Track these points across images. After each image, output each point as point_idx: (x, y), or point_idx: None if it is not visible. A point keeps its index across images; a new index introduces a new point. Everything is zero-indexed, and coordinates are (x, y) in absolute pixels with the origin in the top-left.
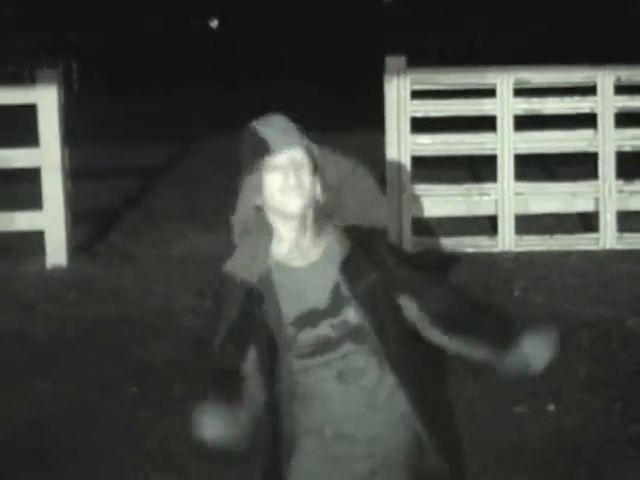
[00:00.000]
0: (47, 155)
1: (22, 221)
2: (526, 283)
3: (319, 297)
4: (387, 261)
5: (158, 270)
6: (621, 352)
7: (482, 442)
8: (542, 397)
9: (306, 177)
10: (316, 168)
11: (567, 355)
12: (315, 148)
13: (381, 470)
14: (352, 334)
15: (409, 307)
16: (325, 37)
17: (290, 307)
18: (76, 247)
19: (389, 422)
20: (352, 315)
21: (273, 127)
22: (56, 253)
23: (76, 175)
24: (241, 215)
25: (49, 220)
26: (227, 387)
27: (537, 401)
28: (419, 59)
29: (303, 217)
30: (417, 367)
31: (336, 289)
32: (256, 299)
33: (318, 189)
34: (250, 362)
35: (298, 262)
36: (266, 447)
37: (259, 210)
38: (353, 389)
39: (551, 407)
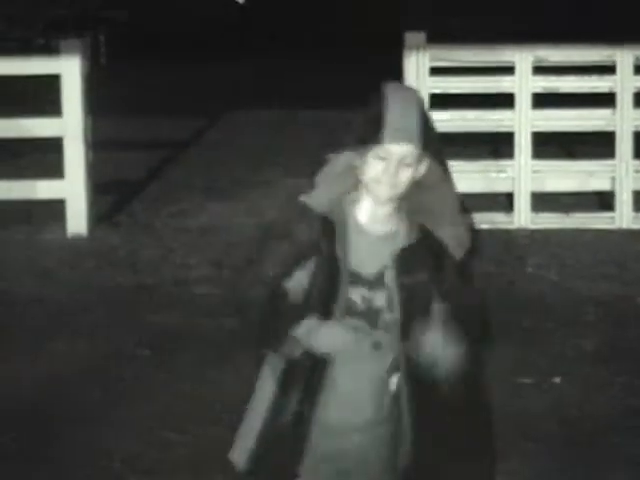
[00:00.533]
0: (69, 125)
1: (43, 190)
2: (540, 260)
3: (367, 266)
4: (445, 272)
5: (176, 241)
6: (629, 329)
7: (485, 411)
8: (549, 370)
9: (405, 174)
10: (418, 162)
11: (575, 330)
12: (424, 142)
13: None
14: (372, 315)
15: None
16: (349, 14)
17: (352, 256)
18: (97, 216)
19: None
20: (380, 300)
21: (398, 107)
22: (76, 222)
23: (99, 145)
24: (339, 161)
25: (70, 189)
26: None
27: (543, 374)
28: (440, 37)
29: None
30: None
31: (380, 271)
32: (328, 234)
33: (410, 182)
34: (297, 283)
35: (371, 225)
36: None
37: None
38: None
39: (557, 379)
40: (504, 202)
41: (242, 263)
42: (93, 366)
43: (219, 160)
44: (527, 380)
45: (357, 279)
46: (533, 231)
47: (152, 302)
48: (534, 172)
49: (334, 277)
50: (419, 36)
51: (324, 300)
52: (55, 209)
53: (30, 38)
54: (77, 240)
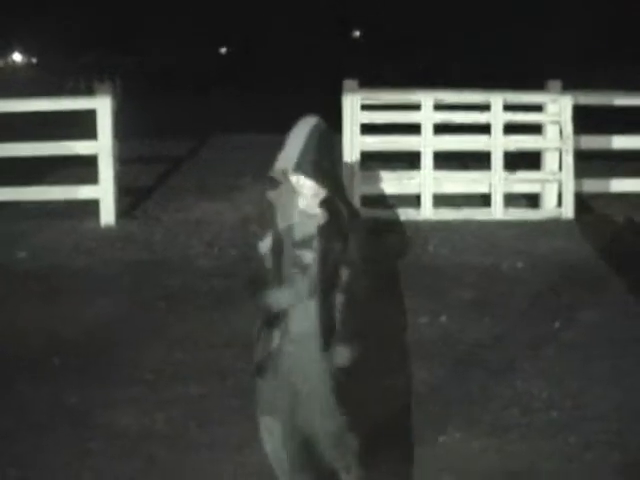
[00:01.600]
0: (103, 145)
1: (83, 192)
2: (438, 241)
3: (303, 233)
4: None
5: (179, 228)
6: (495, 286)
7: (392, 339)
8: (438, 312)
9: (308, 194)
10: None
11: (459, 287)
12: (302, 170)
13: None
14: (304, 267)
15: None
16: (305, 63)
17: (291, 228)
18: (121, 212)
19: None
20: (308, 257)
21: (291, 139)
22: (107, 215)
23: (123, 161)
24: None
25: (103, 192)
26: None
27: (434, 315)
28: (375, 81)
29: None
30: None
31: (311, 236)
32: (274, 213)
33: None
34: (266, 245)
35: (307, 209)
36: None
37: None
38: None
39: (443, 318)
40: (413, 201)
41: (226, 243)
42: (125, 313)
43: (208, 170)
44: (423, 319)
45: (296, 243)
46: (434, 222)
47: (164, 271)
48: (435, 179)
49: (282, 243)
50: (353, 82)
51: (278, 253)
52: (92, 206)
53: (63, 81)
54: (108, 228)
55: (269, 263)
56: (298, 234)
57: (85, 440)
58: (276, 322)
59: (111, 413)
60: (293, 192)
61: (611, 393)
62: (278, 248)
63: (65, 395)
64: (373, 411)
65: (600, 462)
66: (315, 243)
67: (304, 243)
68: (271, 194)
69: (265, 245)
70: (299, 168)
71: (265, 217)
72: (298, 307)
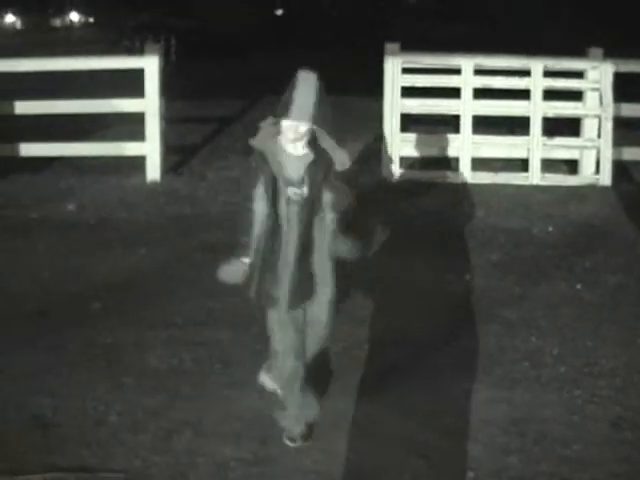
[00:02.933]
0: (149, 104)
1: (131, 149)
2: (474, 204)
3: (294, 173)
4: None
5: (221, 186)
6: (523, 249)
7: (416, 292)
8: (464, 270)
9: (303, 139)
10: (313, 128)
11: (488, 248)
12: (315, 118)
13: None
14: (302, 201)
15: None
16: (350, 26)
17: (284, 170)
18: (167, 168)
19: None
20: (305, 190)
21: (302, 91)
22: (153, 172)
23: (169, 120)
24: (271, 122)
25: (149, 149)
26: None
27: (460, 272)
28: (411, 46)
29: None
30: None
31: (302, 174)
32: (266, 159)
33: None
34: (260, 198)
35: (291, 151)
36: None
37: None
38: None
39: (468, 276)
40: (453, 164)
41: None
42: (165, 264)
43: (253, 131)
44: (450, 275)
45: (290, 182)
46: (472, 185)
47: (205, 225)
48: (473, 143)
49: (275, 183)
50: (395, 46)
51: (274, 196)
52: (138, 163)
53: (118, 40)
54: (153, 184)
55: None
56: (293, 173)
57: (117, 376)
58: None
59: (143, 353)
60: (277, 137)
61: (622, 353)
62: (273, 188)
63: (101, 336)
64: (387, 351)
65: (600, 415)
66: (306, 178)
67: (301, 179)
68: (256, 141)
69: (259, 192)
70: (315, 119)
71: (253, 164)
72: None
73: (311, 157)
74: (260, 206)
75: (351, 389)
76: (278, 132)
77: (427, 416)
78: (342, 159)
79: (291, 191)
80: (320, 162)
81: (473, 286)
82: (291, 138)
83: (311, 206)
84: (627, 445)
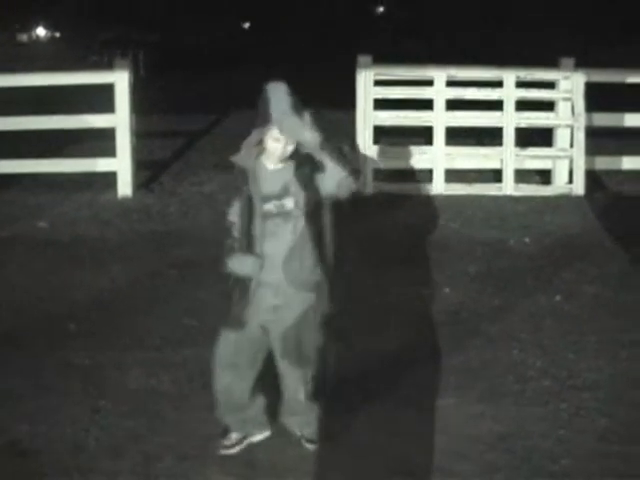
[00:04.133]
0: (120, 119)
1: (101, 165)
2: (449, 215)
3: (275, 187)
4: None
5: (193, 201)
6: (501, 260)
7: (395, 307)
8: (442, 284)
9: (290, 147)
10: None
11: (465, 260)
12: (294, 119)
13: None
14: (287, 215)
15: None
16: (322, 39)
17: (262, 187)
18: (138, 184)
19: (296, 271)
20: (289, 203)
21: (276, 99)
22: (124, 188)
23: (140, 135)
24: (252, 137)
25: (120, 165)
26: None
27: (438, 287)
28: (383, 59)
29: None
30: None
31: (284, 186)
32: (246, 177)
33: (291, 146)
34: (236, 212)
35: (271, 166)
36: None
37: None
38: (277, 245)
39: (447, 290)
40: (425, 176)
41: None
42: (137, 281)
43: (224, 145)
44: (426, 291)
45: (268, 198)
46: (446, 196)
47: (177, 241)
48: (447, 154)
49: (251, 201)
50: (367, 58)
51: (251, 213)
52: (109, 179)
53: (86, 55)
54: (125, 200)
55: (237, 230)
56: (273, 188)
57: (95, 399)
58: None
59: (120, 375)
60: (259, 155)
61: (605, 364)
62: (248, 208)
63: (78, 358)
64: (369, 369)
65: (588, 428)
66: (292, 189)
67: (281, 192)
68: (237, 158)
69: (234, 211)
70: (290, 126)
71: (236, 180)
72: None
73: (291, 168)
74: (235, 218)
75: (332, 406)
76: (261, 151)
77: (412, 433)
78: (311, 136)
79: (269, 206)
80: (305, 168)
81: (452, 300)
82: (279, 148)
83: (305, 218)
84: (615, 458)
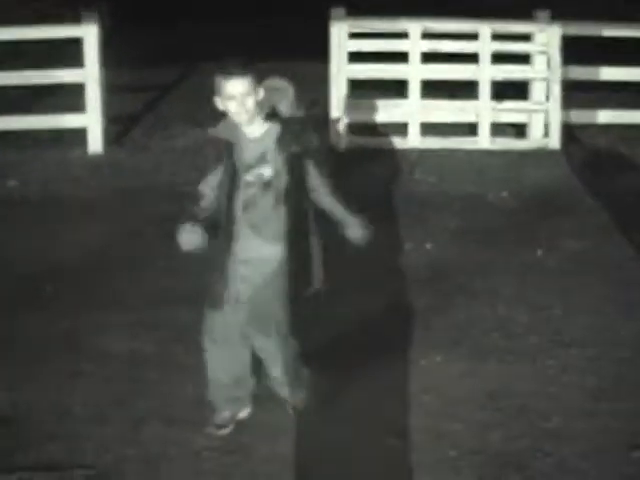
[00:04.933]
0: (89, 73)
1: (71, 121)
2: (425, 170)
3: (253, 156)
4: (311, 143)
5: (166, 157)
6: (479, 214)
7: (378, 265)
8: (423, 239)
9: (249, 102)
10: (256, 90)
11: (444, 215)
12: (253, 77)
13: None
14: (264, 184)
15: (314, 176)
16: None
17: (243, 158)
18: (109, 140)
19: (268, 243)
20: (267, 171)
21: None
22: (95, 144)
23: (111, 89)
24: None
25: (90, 120)
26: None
27: (419, 242)
28: (357, 10)
29: (251, 119)
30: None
31: (262, 154)
32: (227, 148)
33: (257, 102)
34: (208, 184)
35: (250, 135)
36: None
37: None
38: (251, 216)
39: (428, 245)
40: (401, 129)
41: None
42: (114, 240)
43: (196, 98)
44: (408, 246)
45: (249, 167)
46: (421, 150)
47: (151, 197)
48: (422, 107)
49: (234, 168)
50: (341, 10)
51: (231, 182)
52: (79, 135)
53: (49, 9)
54: (95, 157)
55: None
56: (250, 157)
57: (76, 363)
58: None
59: (101, 337)
60: (237, 125)
61: (591, 320)
62: (229, 179)
63: (56, 321)
64: (353, 329)
65: (575, 385)
66: (270, 156)
67: (259, 161)
68: (217, 131)
69: (206, 183)
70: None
71: (210, 153)
72: (248, 233)
73: (273, 136)
74: (207, 189)
75: (319, 370)
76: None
77: (400, 394)
78: (310, 139)
79: (250, 175)
80: (288, 139)
81: (434, 256)
82: (234, 106)
83: (281, 190)
84: (606, 415)
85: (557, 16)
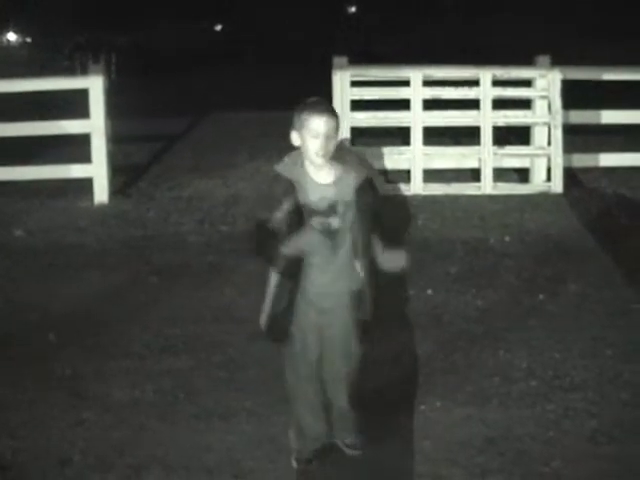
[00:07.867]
0: (95, 124)
1: (77, 171)
2: (428, 215)
3: (322, 204)
4: (368, 198)
5: (172, 206)
6: (482, 260)
7: (379, 311)
8: (425, 286)
9: (331, 143)
10: (337, 133)
11: (446, 261)
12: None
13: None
14: (331, 233)
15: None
16: (297, 40)
17: (308, 201)
18: (114, 190)
19: (342, 286)
20: (335, 222)
21: (315, 103)
22: (101, 194)
23: (116, 139)
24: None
25: (96, 171)
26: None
27: (421, 288)
28: (366, 58)
29: (324, 162)
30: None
31: (331, 205)
32: (292, 187)
33: (334, 148)
34: (282, 214)
35: (318, 180)
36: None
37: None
38: (327, 265)
39: (429, 291)
40: (404, 176)
41: (218, 220)
42: (118, 289)
43: (202, 148)
44: (411, 292)
45: (314, 212)
46: (424, 196)
47: (156, 247)
48: (425, 154)
49: (299, 213)
50: (343, 59)
51: (295, 228)
52: (85, 185)
53: (58, 60)
54: (101, 207)
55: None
56: (317, 203)
57: (78, 410)
58: (291, 280)
59: (103, 385)
60: (303, 164)
61: (591, 364)
62: (294, 219)
63: (59, 368)
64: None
65: (575, 429)
66: (339, 208)
67: (328, 211)
68: (281, 167)
69: (280, 215)
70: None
71: (278, 190)
72: (319, 268)
73: (346, 187)
74: (279, 221)
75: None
76: (303, 160)
77: (402, 439)
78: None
79: (316, 221)
80: (366, 195)
81: (435, 301)
82: (317, 144)
83: (349, 236)
84: (606, 459)
85: (557, 61)
